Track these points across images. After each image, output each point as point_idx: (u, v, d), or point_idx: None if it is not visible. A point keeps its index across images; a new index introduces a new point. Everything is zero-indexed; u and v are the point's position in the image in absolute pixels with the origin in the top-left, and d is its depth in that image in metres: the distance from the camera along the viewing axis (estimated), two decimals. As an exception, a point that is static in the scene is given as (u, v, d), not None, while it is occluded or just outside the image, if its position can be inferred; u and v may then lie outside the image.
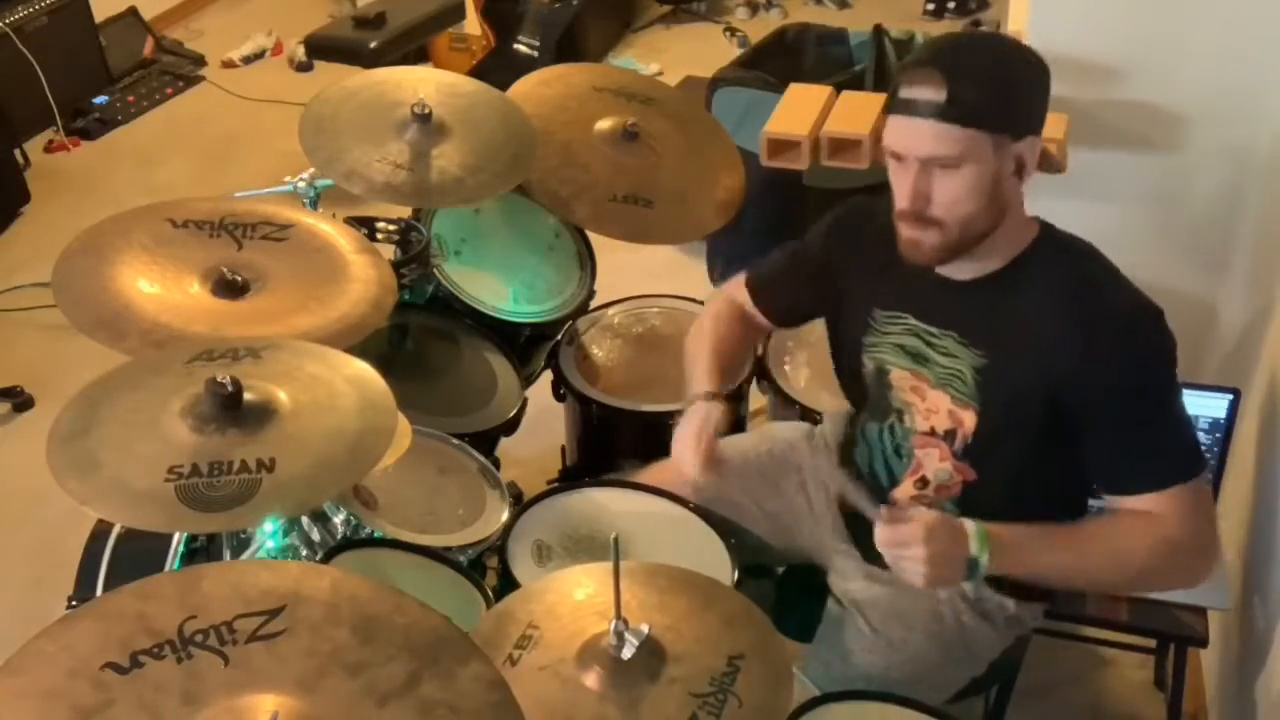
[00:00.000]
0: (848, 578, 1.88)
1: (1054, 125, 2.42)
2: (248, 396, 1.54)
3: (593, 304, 2.51)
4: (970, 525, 1.56)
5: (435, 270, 2.31)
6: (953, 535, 1.55)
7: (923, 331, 1.71)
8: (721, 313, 2.03)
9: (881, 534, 1.56)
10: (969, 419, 1.67)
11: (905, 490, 1.78)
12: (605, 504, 1.95)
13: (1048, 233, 1.67)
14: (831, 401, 2.22)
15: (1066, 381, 1.58)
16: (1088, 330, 1.57)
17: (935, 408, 1.71)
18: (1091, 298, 1.59)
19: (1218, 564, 1.68)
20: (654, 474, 2.03)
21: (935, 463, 1.73)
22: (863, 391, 1.84)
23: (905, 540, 1.54)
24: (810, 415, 2.21)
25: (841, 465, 1.91)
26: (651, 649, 1.42)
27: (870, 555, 1.82)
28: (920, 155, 1.54)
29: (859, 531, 1.87)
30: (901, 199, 1.59)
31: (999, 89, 1.53)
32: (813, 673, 1.74)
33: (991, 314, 1.64)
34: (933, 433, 1.72)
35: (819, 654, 1.80)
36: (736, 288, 2.04)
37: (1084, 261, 1.64)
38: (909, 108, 1.53)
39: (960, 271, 1.65)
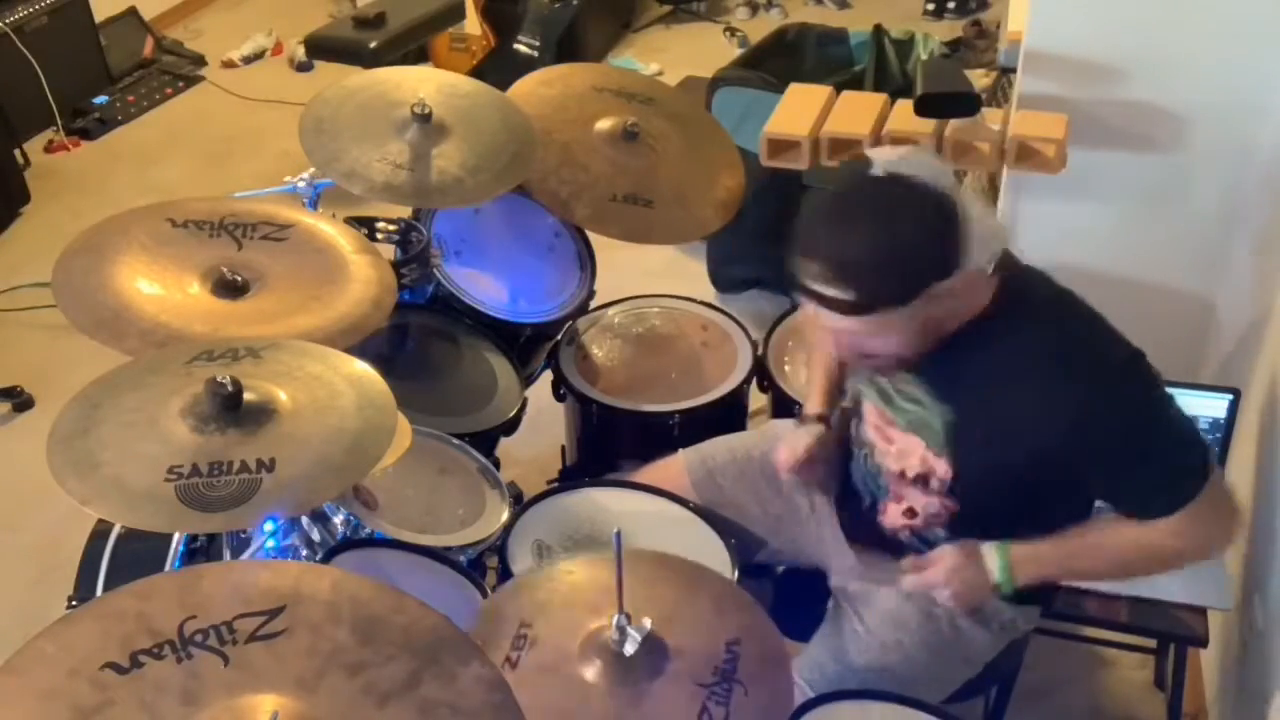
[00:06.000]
0: (845, 578, 1.88)
1: (1054, 125, 2.42)
2: (248, 396, 1.54)
3: (593, 304, 2.51)
4: (990, 551, 1.65)
5: (435, 270, 2.31)
6: (975, 567, 1.66)
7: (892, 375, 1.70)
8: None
9: (909, 583, 1.69)
10: (942, 467, 1.67)
11: (893, 519, 1.78)
12: (605, 504, 1.95)
13: (1011, 283, 1.59)
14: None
15: (1057, 443, 1.55)
16: (1076, 394, 1.53)
17: (907, 450, 1.70)
18: (1074, 360, 1.55)
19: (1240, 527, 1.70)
20: (654, 474, 2.03)
21: (920, 498, 1.73)
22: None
23: (931, 584, 1.68)
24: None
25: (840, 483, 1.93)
26: (652, 643, 1.42)
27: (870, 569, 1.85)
28: (839, 332, 1.56)
29: (855, 532, 1.88)
30: (842, 353, 1.65)
31: (895, 272, 1.47)
32: (807, 674, 1.75)
33: (956, 372, 1.61)
34: (903, 475, 1.72)
35: (813, 655, 1.81)
36: None
37: (1060, 317, 1.59)
38: (820, 300, 1.51)
39: (928, 343, 1.61)
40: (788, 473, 1.87)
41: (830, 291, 1.48)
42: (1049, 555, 1.66)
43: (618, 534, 1.40)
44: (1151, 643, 2.34)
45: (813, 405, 1.95)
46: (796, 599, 1.99)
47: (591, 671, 1.41)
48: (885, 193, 1.50)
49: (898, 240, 1.48)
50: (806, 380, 2.01)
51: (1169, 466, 1.58)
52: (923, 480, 1.70)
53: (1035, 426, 1.55)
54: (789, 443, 1.88)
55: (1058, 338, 1.58)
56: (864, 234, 1.50)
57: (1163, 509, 1.58)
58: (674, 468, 2.03)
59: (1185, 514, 1.58)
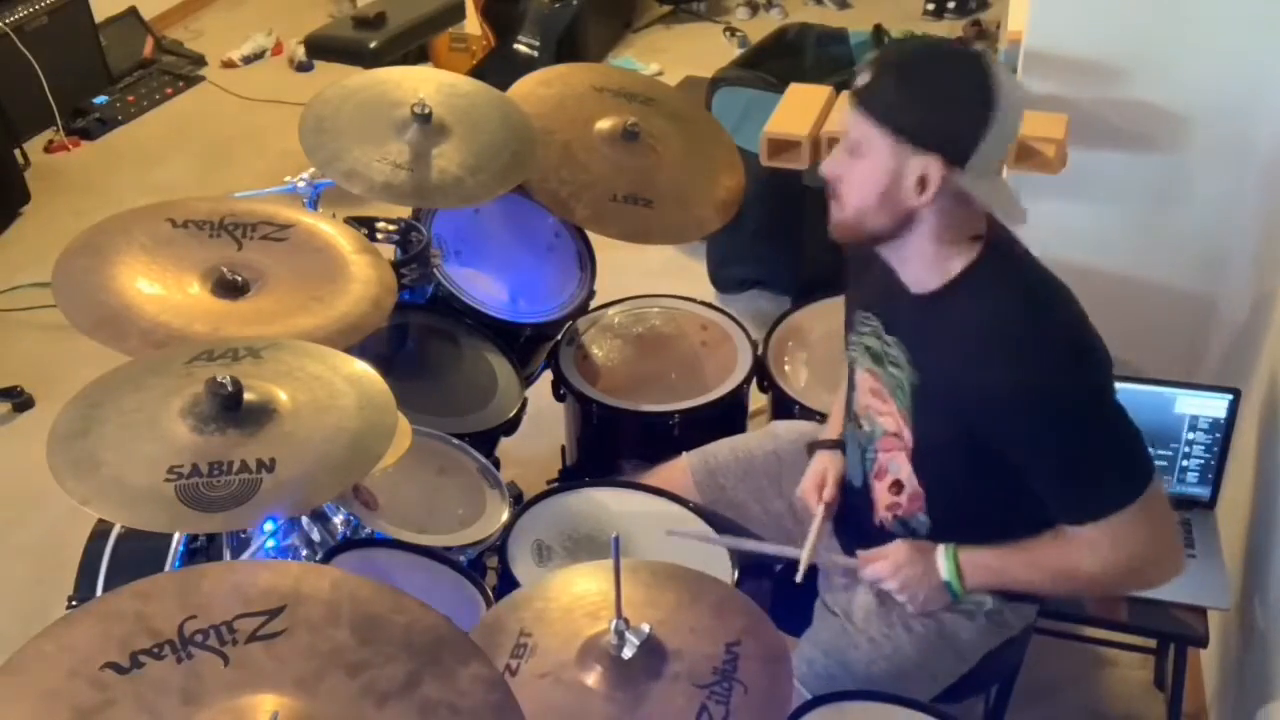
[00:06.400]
0: (833, 576, 1.89)
1: (1054, 125, 2.43)
2: (248, 396, 1.54)
3: (593, 304, 2.51)
4: (941, 551, 1.69)
5: (435, 270, 2.31)
6: (923, 563, 1.70)
7: (883, 335, 1.73)
8: None
9: (861, 573, 1.76)
10: (907, 434, 1.70)
11: (881, 495, 1.79)
12: (605, 504, 1.95)
13: (991, 255, 1.61)
14: (831, 401, 2.22)
15: (996, 423, 1.57)
16: (1018, 375, 1.54)
17: (891, 412, 1.73)
18: (1027, 340, 1.56)
19: (1183, 562, 1.68)
20: (659, 476, 2.04)
21: (904, 464, 1.74)
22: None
23: (879, 575, 1.73)
24: (810, 415, 2.21)
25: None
26: (651, 646, 1.42)
27: (851, 551, 1.86)
28: (843, 128, 1.62)
29: (842, 529, 1.89)
30: (825, 167, 1.67)
31: (914, 96, 1.54)
32: (798, 669, 1.75)
33: (928, 334, 1.65)
34: (897, 436, 1.73)
35: (804, 651, 1.81)
36: None
37: (1019, 289, 1.60)
38: (849, 91, 1.61)
39: (912, 283, 1.66)
40: (819, 504, 1.86)
41: (860, 79, 1.57)
42: (994, 564, 1.69)
43: (616, 539, 1.40)
44: (1151, 643, 2.34)
45: (828, 433, 1.97)
46: (795, 597, 1.99)
47: (591, 677, 1.41)
48: (959, 55, 1.61)
49: (941, 87, 1.55)
50: (831, 408, 2.02)
51: (1098, 469, 1.57)
52: (902, 443, 1.73)
53: (979, 400, 1.57)
54: (814, 472, 1.90)
55: (1019, 315, 1.58)
56: (926, 62, 1.60)
57: (1084, 514, 1.58)
58: (678, 469, 2.04)
59: (1107, 524, 1.57)
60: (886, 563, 1.72)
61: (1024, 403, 1.54)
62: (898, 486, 1.76)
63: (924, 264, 1.63)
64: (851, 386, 1.83)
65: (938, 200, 1.55)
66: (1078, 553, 1.62)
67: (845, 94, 2.66)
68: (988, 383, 1.55)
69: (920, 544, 1.73)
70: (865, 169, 1.58)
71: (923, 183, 1.55)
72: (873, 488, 1.80)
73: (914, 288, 1.66)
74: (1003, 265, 1.62)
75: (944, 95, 1.54)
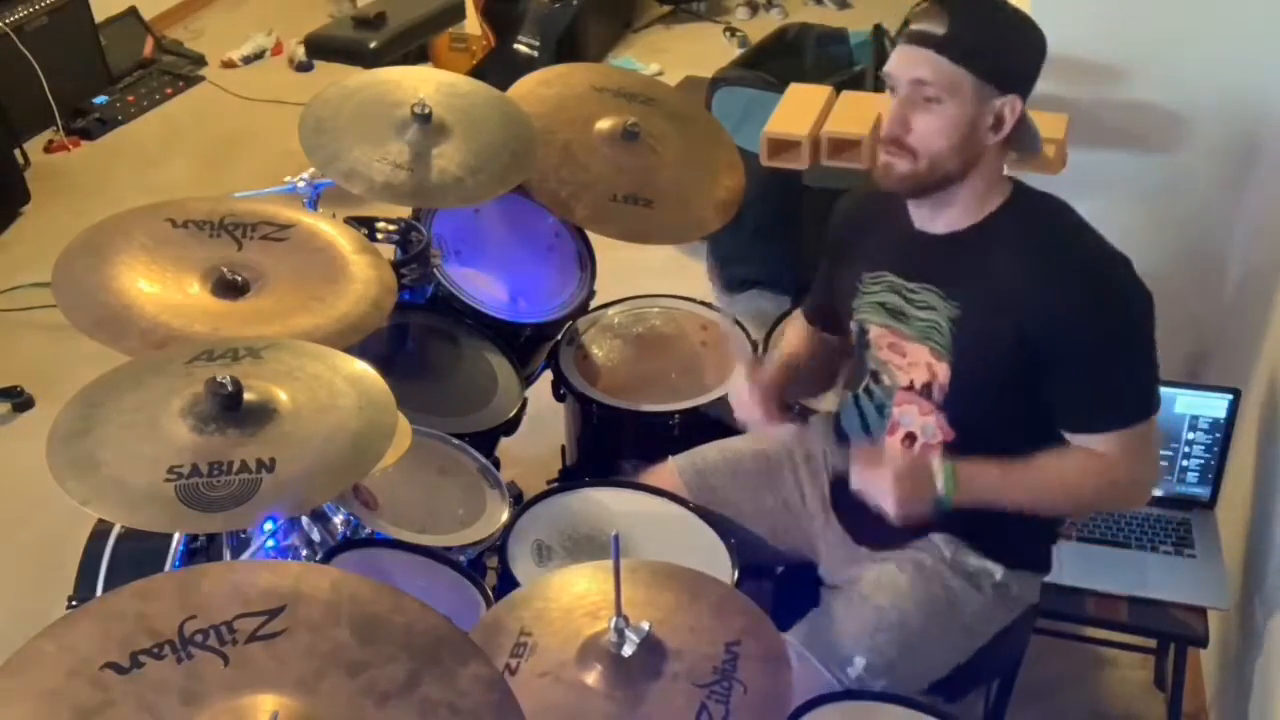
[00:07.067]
0: (836, 566, 1.90)
1: (1054, 125, 2.42)
2: (248, 396, 1.54)
3: (593, 304, 2.51)
4: (938, 465, 1.69)
5: (435, 270, 2.31)
6: (922, 472, 1.68)
7: (901, 287, 1.77)
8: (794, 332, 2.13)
9: (856, 478, 1.72)
10: (943, 370, 1.73)
11: (893, 447, 1.81)
12: (605, 504, 1.95)
13: (1020, 192, 1.72)
14: (831, 401, 2.22)
15: (1036, 329, 1.64)
16: (1056, 281, 1.63)
17: (915, 360, 1.76)
18: (1060, 251, 1.66)
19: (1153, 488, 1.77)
20: (656, 477, 2.03)
21: (917, 418, 1.77)
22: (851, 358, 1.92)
23: (878, 485, 1.68)
24: (810, 415, 2.21)
25: (834, 435, 1.96)
26: (650, 645, 1.42)
27: (860, 539, 1.88)
28: (910, 78, 1.63)
29: (849, 520, 1.90)
30: (886, 125, 1.68)
31: (995, 38, 1.61)
32: (802, 639, 1.75)
33: (965, 267, 1.70)
34: (911, 387, 1.77)
35: (809, 625, 1.80)
36: (799, 320, 2.12)
37: (1054, 217, 1.70)
38: (912, 37, 1.63)
39: (936, 225, 1.72)
40: (758, 413, 1.88)
41: (937, 26, 1.59)
42: (992, 474, 1.70)
43: (615, 537, 1.41)
44: (1151, 643, 2.34)
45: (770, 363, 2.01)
46: (795, 598, 1.99)
47: (591, 675, 1.41)
48: (1012, 3, 1.67)
49: (1012, 27, 1.63)
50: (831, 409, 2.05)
51: (1123, 384, 1.67)
52: (926, 391, 1.75)
53: (1044, 308, 1.63)
54: (736, 395, 1.91)
55: (1056, 231, 1.68)
56: (989, 2, 1.66)
57: (1104, 423, 1.67)
58: (665, 473, 2.03)
59: (1118, 437, 1.66)
60: (884, 475, 1.68)
61: (1094, 304, 1.62)
62: (910, 439, 1.79)
63: (969, 202, 1.69)
64: (865, 346, 1.84)
65: (1007, 136, 1.63)
66: (1079, 466, 1.69)
67: (849, 98, 2.68)
68: (1059, 290, 1.62)
69: (918, 459, 1.72)
70: (946, 115, 1.62)
71: (999, 123, 1.62)
72: (885, 445, 1.82)
73: (935, 229, 1.72)
74: (1042, 197, 1.72)
75: (1020, 36, 1.63)
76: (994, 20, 1.63)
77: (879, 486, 1.68)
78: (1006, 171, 1.74)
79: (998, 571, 1.80)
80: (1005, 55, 1.63)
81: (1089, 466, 1.70)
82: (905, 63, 1.64)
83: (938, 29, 1.59)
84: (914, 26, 1.63)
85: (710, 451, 2.05)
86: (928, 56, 1.60)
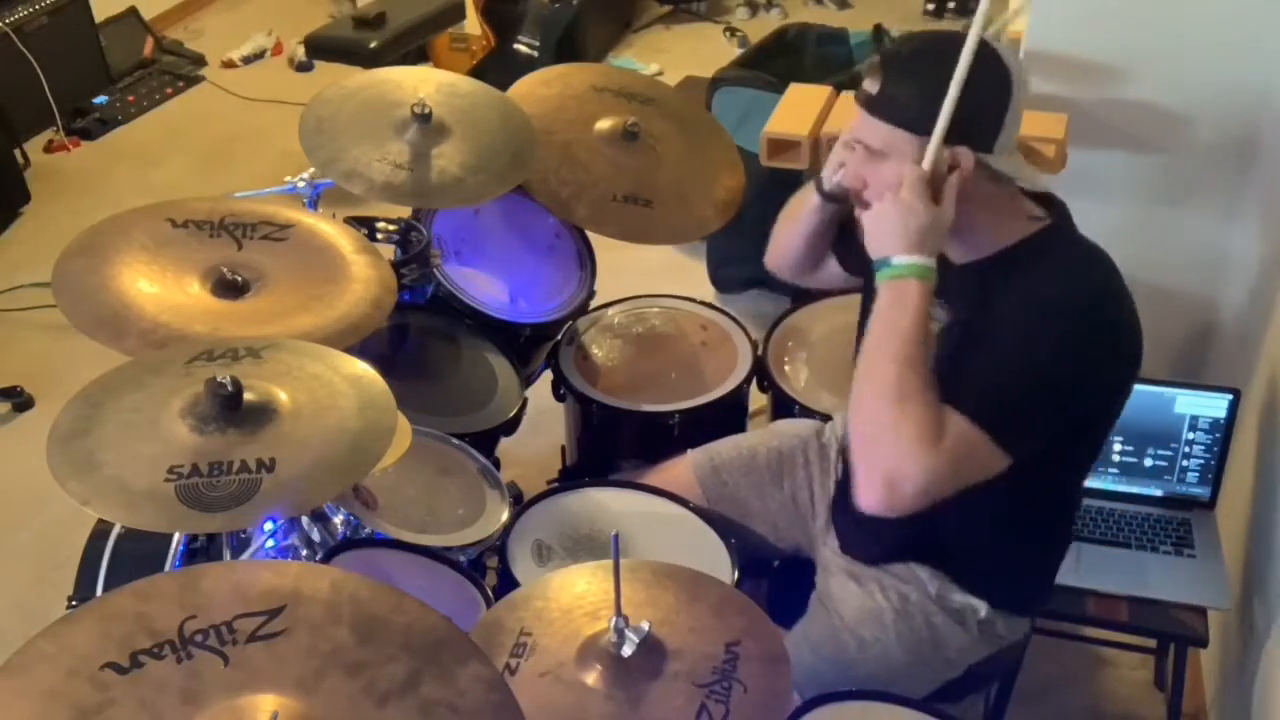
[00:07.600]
0: (828, 572, 1.90)
1: (1054, 125, 2.43)
2: (248, 396, 1.53)
3: (593, 304, 2.51)
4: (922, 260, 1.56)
5: (435, 270, 2.31)
6: (912, 213, 1.54)
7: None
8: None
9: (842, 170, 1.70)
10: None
11: None
12: (605, 504, 1.95)
13: (1045, 237, 1.63)
14: (831, 401, 2.22)
15: (997, 320, 1.58)
16: (1037, 314, 1.56)
17: None
18: (1049, 290, 1.57)
19: (922, 497, 1.53)
20: (662, 473, 2.04)
21: None
22: None
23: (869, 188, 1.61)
24: (810, 415, 2.21)
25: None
26: (650, 644, 1.42)
27: (845, 546, 1.86)
28: (853, 138, 1.62)
29: (841, 523, 1.90)
30: (848, 180, 1.67)
31: (930, 99, 1.52)
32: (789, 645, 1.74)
33: (970, 300, 1.65)
34: None
35: (792, 647, 1.80)
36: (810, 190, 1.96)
37: (1071, 277, 1.60)
38: (856, 97, 1.62)
39: (951, 253, 1.67)
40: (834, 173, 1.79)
41: (871, 86, 1.57)
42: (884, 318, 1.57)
43: (615, 536, 1.41)
44: (1151, 643, 2.34)
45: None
46: (790, 591, 1.99)
47: (591, 676, 1.41)
48: (961, 42, 1.54)
49: (944, 71, 1.52)
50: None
51: (1006, 389, 1.54)
52: None
53: (1006, 330, 1.57)
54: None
55: (1060, 280, 1.58)
56: (933, 56, 1.57)
57: (963, 400, 1.53)
58: (681, 466, 2.04)
59: (958, 419, 1.52)
60: (887, 198, 1.57)
61: (1037, 311, 1.55)
62: None
63: (975, 238, 1.63)
64: None
65: (975, 182, 1.56)
66: (924, 403, 1.53)
67: (849, 98, 2.67)
68: (1022, 292, 1.57)
69: (922, 207, 1.56)
70: (895, 172, 1.56)
71: (953, 171, 1.56)
72: None
73: (951, 256, 1.66)
74: (1066, 244, 1.64)
75: (964, 91, 1.52)
76: (931, 78, 1.52)
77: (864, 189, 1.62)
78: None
79: (982, 609, 1.77)
80: (950, 114, 1.52)
81: (926, 415, 1.52)
82: (851, 123, 1.63)
83: (872, 89, 1.57)
84: (861, 84, 1.60)
85: (726, 446, 2.05)
86: (864, 117, 1.59)
